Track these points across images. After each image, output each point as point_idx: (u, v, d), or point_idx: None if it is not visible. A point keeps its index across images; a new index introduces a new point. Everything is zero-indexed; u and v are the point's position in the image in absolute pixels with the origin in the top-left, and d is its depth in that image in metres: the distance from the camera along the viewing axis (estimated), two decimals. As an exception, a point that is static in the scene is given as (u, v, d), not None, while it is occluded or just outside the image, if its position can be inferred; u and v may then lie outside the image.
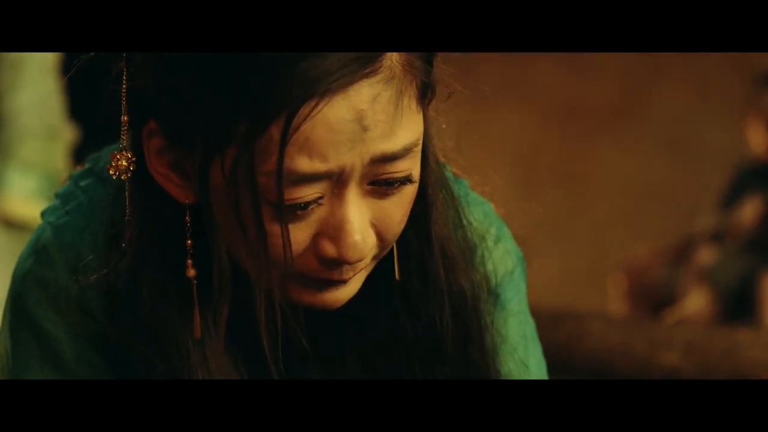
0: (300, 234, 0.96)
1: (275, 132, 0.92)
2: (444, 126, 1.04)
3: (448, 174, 1.08)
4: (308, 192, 0.94)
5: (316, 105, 0.91)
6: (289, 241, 0.95)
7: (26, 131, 2.41)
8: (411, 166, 0.97)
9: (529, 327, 1.12)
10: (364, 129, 0.93)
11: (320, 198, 0.95)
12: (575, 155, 4.82)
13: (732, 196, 3.70)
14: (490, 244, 1.10)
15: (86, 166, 1.08)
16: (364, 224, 0.96)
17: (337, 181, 0.95)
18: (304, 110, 0.91)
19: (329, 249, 0.96)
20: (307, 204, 0.95)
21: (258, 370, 1.04)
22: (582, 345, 2.38)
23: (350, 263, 0.97)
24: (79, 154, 2.44)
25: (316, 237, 0.96)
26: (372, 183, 0.96)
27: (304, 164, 0.93)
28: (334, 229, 0.96)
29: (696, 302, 3.45)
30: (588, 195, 4.78)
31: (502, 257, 1.10)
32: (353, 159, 0.94)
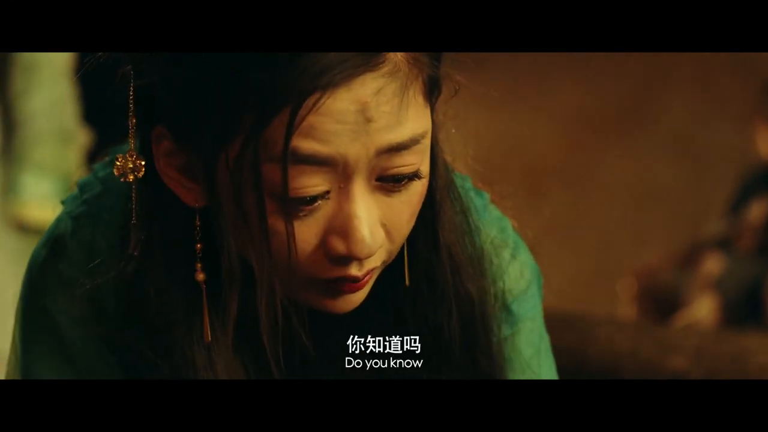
0: (307, 231, 0.96)
1: (279, 124, 0.92)
2: (453, 131, 1.05)
3: (468, 185, 1.09)
4: (312, 182, 0.94)
5: (320, 98, 0.92)
6: (294, 236, 0.95)
7: (40, 135, 2.41)
8: (419, 160, 0.97)
9: (544, 342, 1.12)
10: (368, 120, 0.93)
11: (327, 192, 0.95)
12: (583, 160, 4.82)
13: (740, 202, 3.70)
14: (506, 259, 1.10)
15: (108, 158, 1.09)
16: (372, 220, 0.96)
17: (343, 173, 0.95)
18: (308, 103, 0.92)
19: (338, 245, 0.96)
20: (312, 198, 0.95)
21: (266, 374, 1.04)
22: (590, 349, 2.38)
23: (359, 259, 0.97)
24: (92, 157, 2.44)
25: (325, 234, 0.96)
26: (380, 179, 0.96)
27: (306, 146, 0.93)
28: (342, 225, 0.96)
29: (704, 307, 3.45)
30: (596, 200, 4.78)
31: (517, 273, 1.10)
32: (357, 151, 0.94)
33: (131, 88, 0.98)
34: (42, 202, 2.37)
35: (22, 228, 2.39)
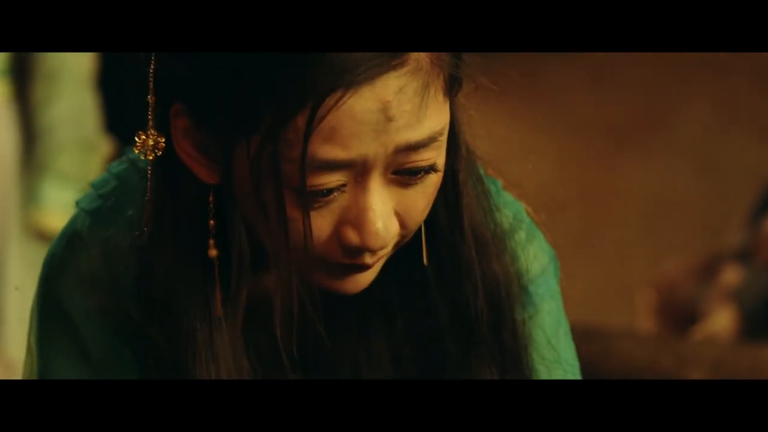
0: (322, 221, 0.96)
1: (301, 121, 0.93)
2: (472, 112, 1.04)
3: (481, 171, 1.09)
4: (331, 179, 0.95)
5: (342, 96, 0.92)
6: (310, 227, 0.95)
7: (62, 144, 2.41)
8: (435, 155, 0.97)
9: (563, 326, 1.12)
10: (389, 119, 0.94)
11: (343, 186, 0.96)
12: (601, 171, 4.82)
13: (759, 213, 3.69)
14: (522, 242, 1.10)
15: (123, 157, 1.09)
16: (386, 212, 0.97)
17: (360, 170, 0.95)
18: (330, 101, 0.92)
19: (352, 236, 0.97)
20: (329, 191, 0.95)
21: (267, 357, 1.05)
22: (609, 362, 2.38)
23: (372, 251, 0.98)
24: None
25: (339, 225, 0.97)
26: (396, 172, 0.97)
27: (326, 152, 0.93)
28: (356, 217, 0.96)
29: (722, 319, 3.44)
30: (614, 211, 4.78)
31: (533, 255, 1.11)
32: (376, 149, 0.94)
33: (151, 67, 0.99)
34: (64, 211, 2.36)
35: (44, 237, 2.39)
